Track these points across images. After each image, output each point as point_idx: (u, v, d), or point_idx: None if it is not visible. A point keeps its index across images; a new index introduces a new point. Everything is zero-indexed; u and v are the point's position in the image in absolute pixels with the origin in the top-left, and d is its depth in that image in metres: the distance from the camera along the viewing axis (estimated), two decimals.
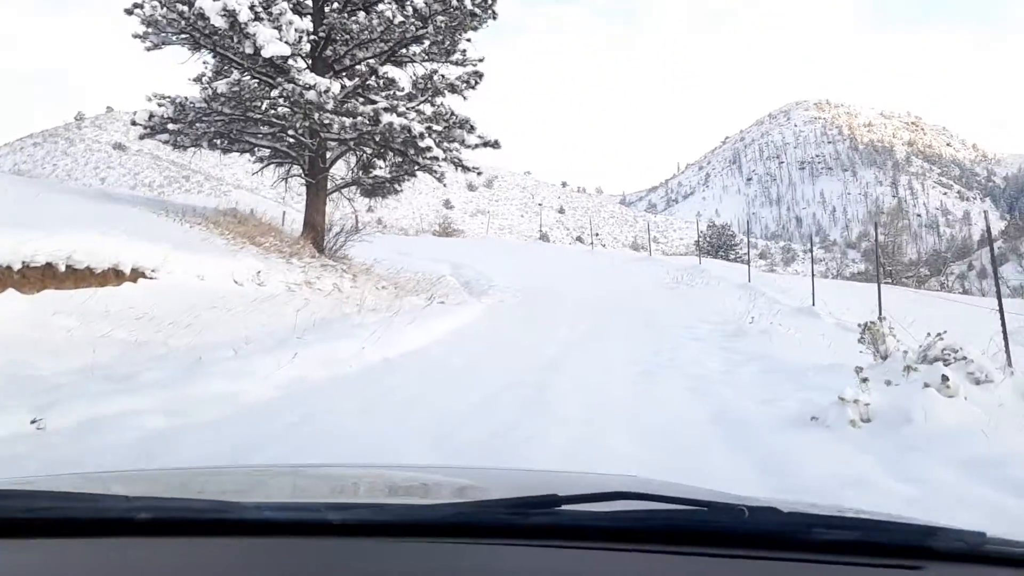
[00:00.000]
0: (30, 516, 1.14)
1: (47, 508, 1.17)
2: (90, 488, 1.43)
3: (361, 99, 14.21)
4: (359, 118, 13.47)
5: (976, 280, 63.21)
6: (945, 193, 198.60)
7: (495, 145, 14.96)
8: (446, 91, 15.77)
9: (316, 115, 13.29)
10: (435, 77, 15.77)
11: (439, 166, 15.70)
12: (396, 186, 16.40)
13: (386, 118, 13.30)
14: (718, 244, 49.11)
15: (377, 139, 14.02)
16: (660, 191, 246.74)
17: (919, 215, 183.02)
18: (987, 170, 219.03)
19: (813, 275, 13.17)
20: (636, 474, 2.04)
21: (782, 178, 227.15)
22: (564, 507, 1.17)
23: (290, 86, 12.95)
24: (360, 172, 16.60)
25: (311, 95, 12.88)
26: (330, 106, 13.00)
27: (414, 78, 16.05)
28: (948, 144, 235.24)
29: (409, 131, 13.20)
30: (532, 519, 1.13)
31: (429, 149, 13.31)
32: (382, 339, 8.53)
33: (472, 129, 14.72)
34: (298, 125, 14.05)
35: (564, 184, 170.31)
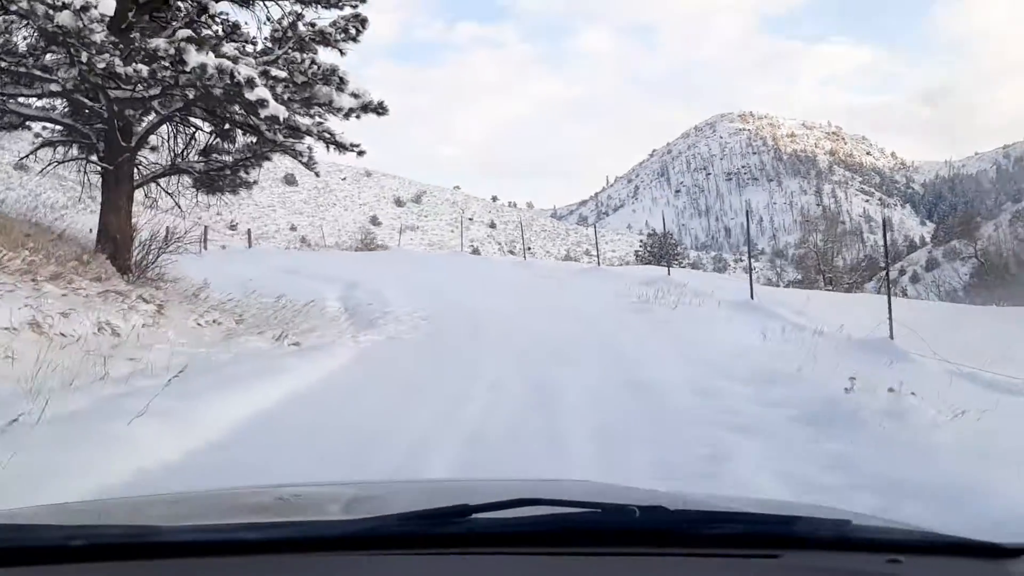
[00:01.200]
0: None
1: None
2: (30, 520, 1.43)
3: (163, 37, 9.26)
4: (158, 62, 8.59)
5: (909, 284, 62.68)
6: (867, 200, 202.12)
7: (379, 109, 10.22)
8: (316, 43, 10.99)
9: (85, 56, 8.36)
10: (300, 24, 10.99)
11: (303, 143, 10.92)
12: (243, 175, 11.46)
13: (196, 59, 8.41)
14: (660, 253, 46.67)
15: (191, 96, 9.14)
16: (590, 204, 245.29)
17: (843, 222, 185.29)
18: (906, 177, 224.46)
19: (890, 294, 8.59)
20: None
21: (710, 189, 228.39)
22: (474, 516, 1.19)
23: (28, 4, 7.97)
24: (199, 155, 11.65)
25: (64, 17, 7.93)
26: (99, 36, 8.06)
27: (270, 24, 11.25)
28: (868, 153, 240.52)
29: (231, 76, 8.34)
30: (444, 529, 1.17)
31: (264, 104, 8.45)
32: (60, 459, 3.70)
33: (343, 84, 9.93)
34: (65, 74, 9.09)
35: (495, 199, 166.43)
